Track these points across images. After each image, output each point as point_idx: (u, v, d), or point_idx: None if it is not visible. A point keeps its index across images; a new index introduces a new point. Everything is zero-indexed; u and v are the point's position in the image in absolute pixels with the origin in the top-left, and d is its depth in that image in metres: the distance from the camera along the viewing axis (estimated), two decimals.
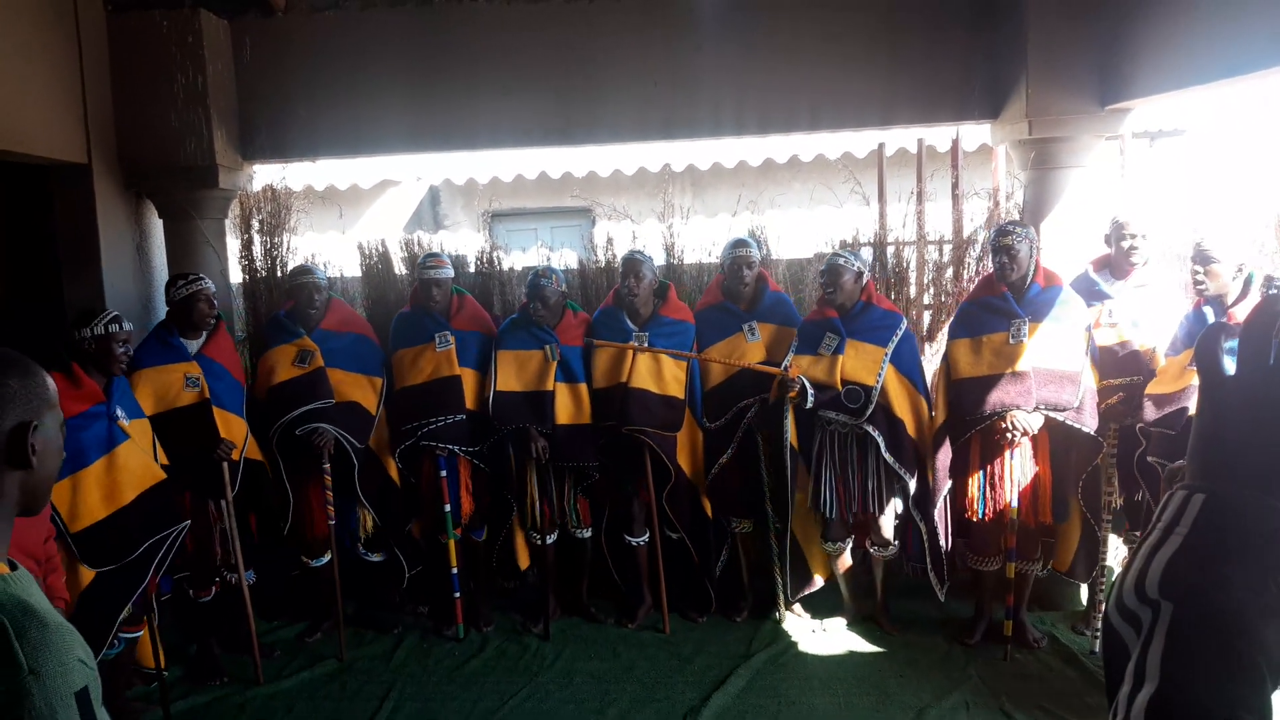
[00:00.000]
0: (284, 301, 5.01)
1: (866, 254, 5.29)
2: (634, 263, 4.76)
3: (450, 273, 4.88)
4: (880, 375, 4.43)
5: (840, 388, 4.42)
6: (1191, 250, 3.95)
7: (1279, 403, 0.65)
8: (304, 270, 4.80)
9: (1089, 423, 4.21)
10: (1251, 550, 0.63)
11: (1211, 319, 3.86)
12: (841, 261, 4.52)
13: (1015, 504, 4.32)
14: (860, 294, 4.57)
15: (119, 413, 3.84)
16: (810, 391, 4.45)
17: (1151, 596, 0.64)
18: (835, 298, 4.54)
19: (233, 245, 5.56)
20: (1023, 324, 4.26)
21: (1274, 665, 0.61)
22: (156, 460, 3.97)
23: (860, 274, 4.55)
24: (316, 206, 6.34)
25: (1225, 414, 0.67)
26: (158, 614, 4.08)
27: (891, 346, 4.48)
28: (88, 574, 3.68)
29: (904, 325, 4.58)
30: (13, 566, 1.25)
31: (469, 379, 4.76)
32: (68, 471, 3.61)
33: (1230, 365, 0.66)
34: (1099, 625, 4.47)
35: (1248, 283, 3.84)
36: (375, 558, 4.89)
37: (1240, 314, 3.76)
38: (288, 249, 5.54)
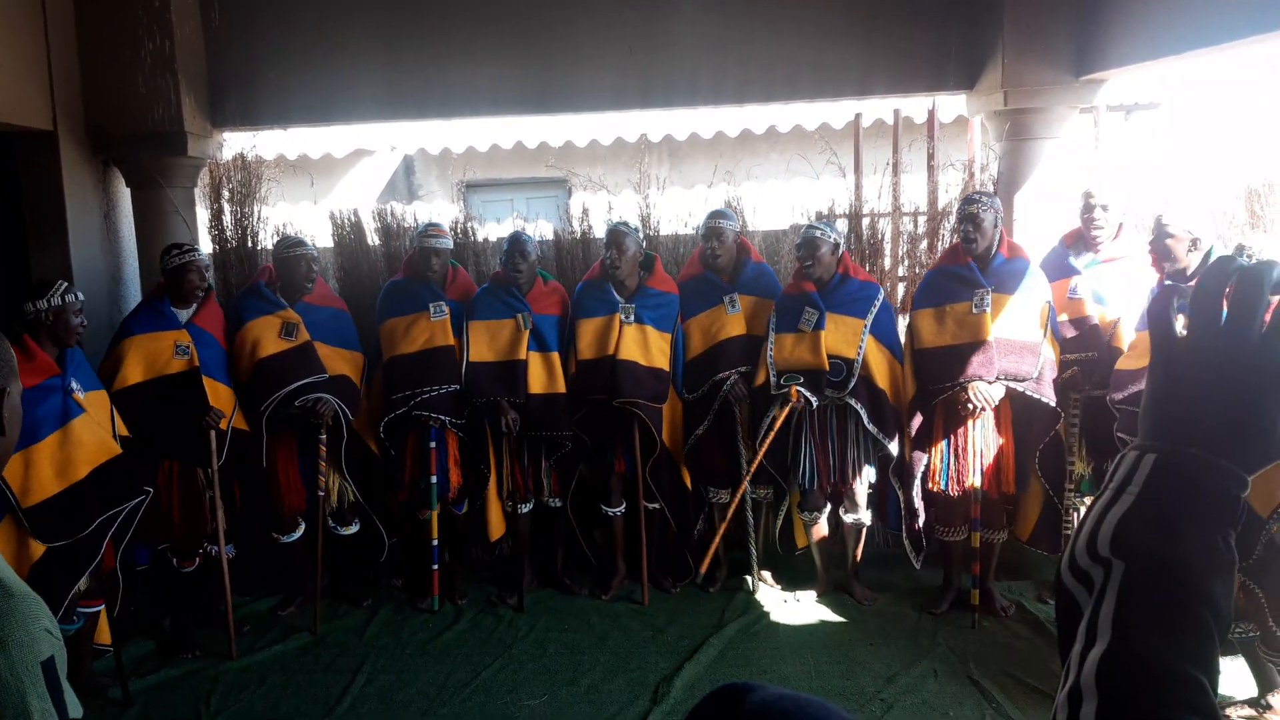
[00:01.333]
0: (258, 271, 4.93)
1: (841, 225, 5.28)
2: (617, 234, 4.71)
3: (450, 243, 4.86)
4: (861, 347, 4.44)
5: (825, 364, 4.42)
6: (1153, 224, 3.97)
7: (1227, 364, 0.65)
8: (298, 242, 4.70)
9: (1048, 393, 4.25)
10: (1201, 509, 0.64)
11: None
12: (818, 234, 4.49)
13: (978, 474, 4.36)
14: (837, 266, 4.56)
15: (74, 385, 3.80)
16: (814, 401, 4.44)
17: (1103, 555, 0.65)
18: (813, 271, 4.51)
19: (202, 215, 5.48)
20: (986, 294, 4.28)
21: (1222, 621, 0.62)
22: (115, 432, 3.95)
23: (837, 245, 4.54)
24: (288, 176, 6.25)
25: (1176, 375, 0.67)
26: (123, 588, 4.07)
27: (871, 317, 4.48)
28: (38, 548, 3.65)
29: (882, 295, 4.58)
30: None
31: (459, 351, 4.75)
32: (20, 446, 3.57)
33: (1181, 326, 0.66)
34: None
35: (1207, 257, 3.85)
36: (345, 531, 4.87)
37: None
38: (258, 219, 5.47)
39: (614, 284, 4.76)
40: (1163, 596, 0.66)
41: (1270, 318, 0.68)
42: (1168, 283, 3.93)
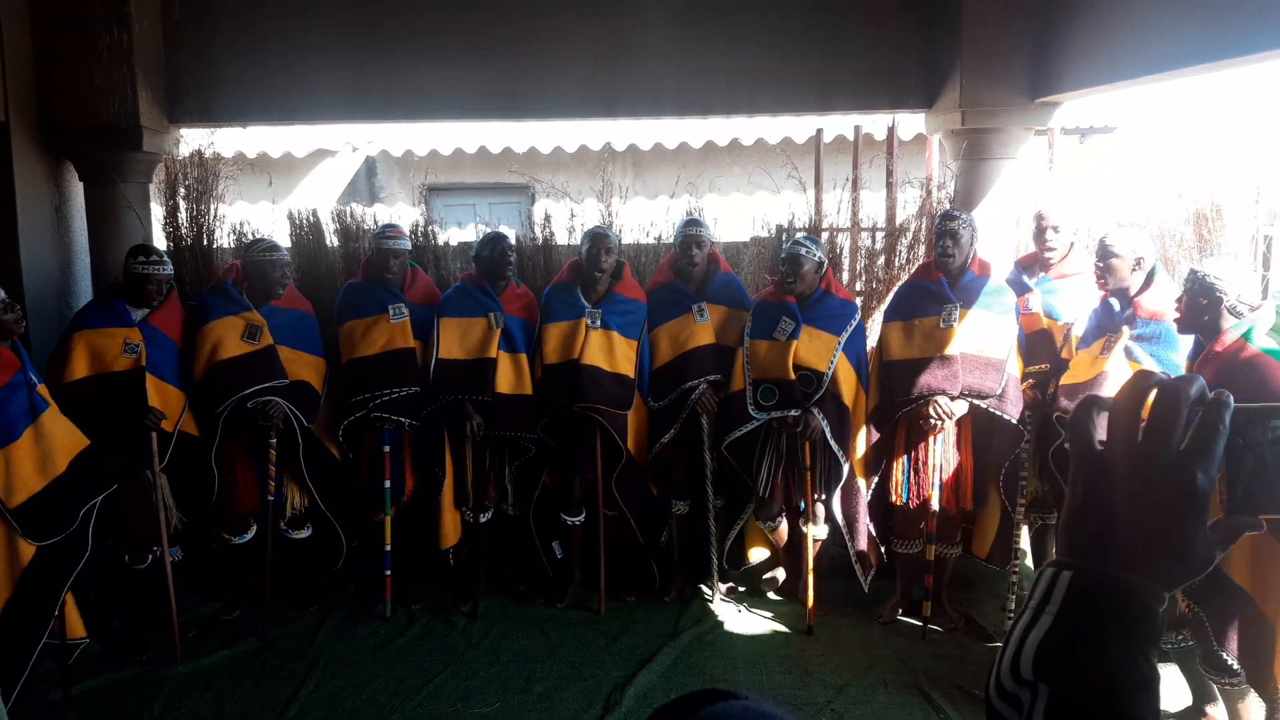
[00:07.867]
0: (226, 269, 4.85)
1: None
2: (603, 237, 4.69)
3: (408, 244, 4.84)
4: (833, 362, 4.48)
5: (793, 374, 4.45)
6: (1096, 245, 4.07)
7: (1144, 481, 0.65)
8: (273, 246, 4.65)
9: (1011, 410, 4.30)
10: (1120, 628, 0.64)
11: (1118, 308, 3.98)
12: (803, 252, 4.52)
13: (937, 489, 4.42)
14: (820, 282, 4.60)
15: (33, 378, 3.77)
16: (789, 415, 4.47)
17: (1026, 678, 0.65)
18: (795, 287, 4.54)
19: (157, 212, 5.39)
20: (954, 309, 4.34)
21: None
22: None
23: (821, 264, 4.58)
24: (247, 174, 6.17)
25: (1093, 489, 0.67)
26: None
27: (845, 335, 4.53)
28: (27, 552, 3.60)
29: (858, 315, 4.64)
30: None
31: (419, 353, 4.72)
32: None
33: (1100, 439, 0.66)
34: (1013, 608, 4.61)
35: (1150, 274, 3.95)
36: (299, 535, 4.81)
37: (1146, 304, 3.87)
38: (215, 217, 5.39)
39: (582, 289, 4.76)
40: (1089, 718, 0.66)
41: (1190, 434, 0.68)
42: (1112, 300, 4.00)
